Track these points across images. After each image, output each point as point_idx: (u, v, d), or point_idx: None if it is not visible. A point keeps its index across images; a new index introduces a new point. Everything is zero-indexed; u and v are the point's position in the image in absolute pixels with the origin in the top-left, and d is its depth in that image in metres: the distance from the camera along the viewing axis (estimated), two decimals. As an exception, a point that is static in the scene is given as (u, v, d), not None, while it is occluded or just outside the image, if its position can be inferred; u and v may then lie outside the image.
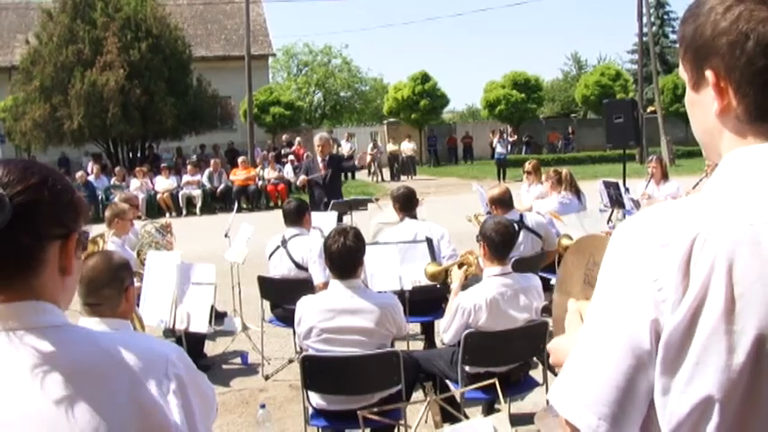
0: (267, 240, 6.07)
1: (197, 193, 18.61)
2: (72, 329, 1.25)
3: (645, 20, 28.52)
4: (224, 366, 6.34)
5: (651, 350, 1.01)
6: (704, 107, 1.13)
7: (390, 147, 28.13)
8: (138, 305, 4.80)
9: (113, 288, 2.68)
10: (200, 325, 4.38)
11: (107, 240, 3.98)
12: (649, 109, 30.33)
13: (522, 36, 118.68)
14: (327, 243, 3.68)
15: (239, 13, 30.05)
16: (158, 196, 18.58)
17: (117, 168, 19.56)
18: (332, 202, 8.12)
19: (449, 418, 3.04)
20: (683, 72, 1.18)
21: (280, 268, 5.76)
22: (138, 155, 22.75)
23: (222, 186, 19.12)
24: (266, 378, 5.85)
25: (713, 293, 0.98)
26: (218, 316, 7.39)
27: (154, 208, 18.36)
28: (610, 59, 51.63)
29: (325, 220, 6.87)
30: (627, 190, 9.67)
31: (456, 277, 4.39)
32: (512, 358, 3.98)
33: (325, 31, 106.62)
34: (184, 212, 18.50)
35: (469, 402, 4.24)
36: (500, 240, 3.91)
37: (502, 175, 24.45)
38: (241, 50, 24.01)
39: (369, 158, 28.00)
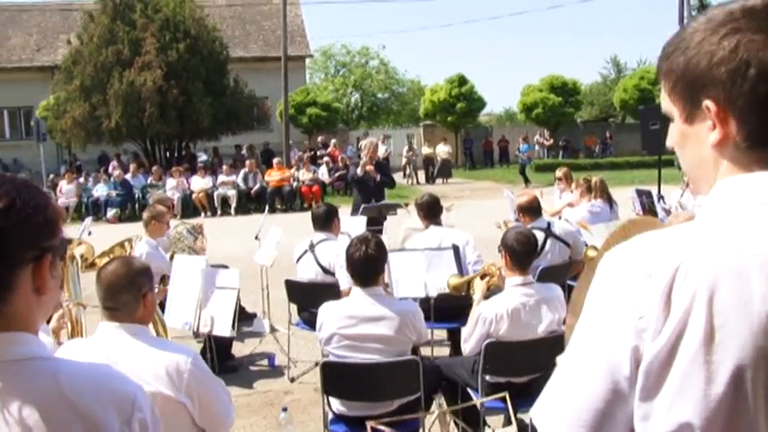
0: (298, 242, 6.12)
1: (232, 193, 18.81)
2: (38, 364, 1.20)
3: (687, 23, 28.01)
4: (251, 368, 6.41)
5: (631, 377, 1.02)
6: (699, 139, 1.12)
7: (425, 150, 28.08)
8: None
9: (131, 294, 2.72)
10: (224, 328, 4.43)
11: (135, 245, 4.04)
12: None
13: (560, 39, 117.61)
14: (350, 251, 3.70)
15: (277, 14, 30.29)
16: (194, 196, 18.82)
17: (154, 168, 19.90)
18: (362, 206, 8.14)
19: (467, 427, 3.04)
20: (669, 106, 1.17)
21: (307, 272, 5.80)
22: (175, 154, 23.11)
23: (257, 187, 19.30)
24: (292, 380, 5.90)
25: (693, 323, 0.98)
26: (247, 317, 7.49)
27: (189, 207, 18.61)
28: (650, 63, 50.84)
29: (354, 225, 6.90)
30: (661, 198, 9.54)
31: (478, 288, 4.36)
32: (532, 369, 3.94)
33: (362, 32, 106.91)
34: (219, 212, 18.72)
35: (491, 411, 4.22)
36: (522, 250, 3.88)
37: (525, 181, 24.06)
38: (278, 51, 24.19)
39: (404, 161, 28.05)
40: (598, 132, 35.09)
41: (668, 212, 7.58)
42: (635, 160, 29.18)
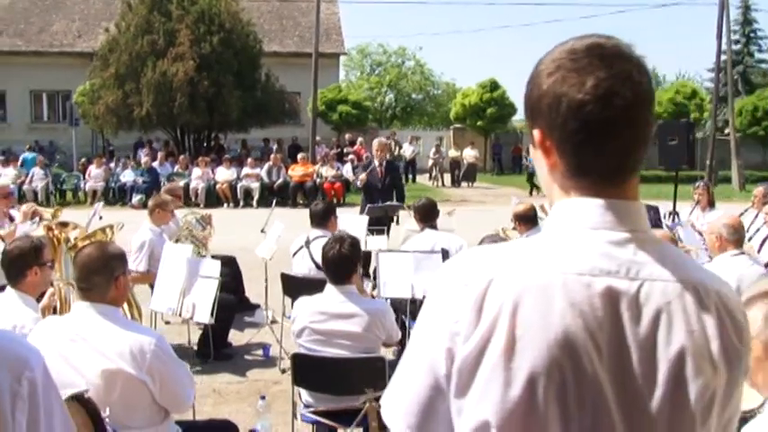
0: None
1: (255, 185, 19.06)
2: None
3: (726, 38, 27.58)
4: (246, 357, 6.57)
5: (447, 375, 1.12)
6: (540, 163, 1.22)
7: (452, 152, 28.08)
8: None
9: (103, 276, 2.90)
10: (203, 316, 4.60)
11: (116, 232, 4.22)
12: (726, 130, 29.39)
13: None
14: (325, 249, 3.83)
15: (314, 10, 30.62)
16: (217, 186, 19.12)
17: (181, 157, 20.27)
18: (367, 206, 8.26)
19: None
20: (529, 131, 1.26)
21: (301, 267, 5.95)
22: (204, 144, 23.48)
23: (280, 181, 19.53)
24: (282, 371, 6.03)
25: (498, 331, 1.08)
26: (250, 307, 7.67)
27: (212, 197, 18.91)
28: (689, 77, 50.16)
29: (355, 224, 7.02)
30: (676, 215, 9.50)
31: None
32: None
33: (397, 33, 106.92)
34: (242, 204, 18.99)
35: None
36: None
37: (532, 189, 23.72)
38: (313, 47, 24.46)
39: (430, 163, 28.10)
40: (630, 144, 34.64)
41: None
42: (664, 174, 28.78)
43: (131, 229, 6.51)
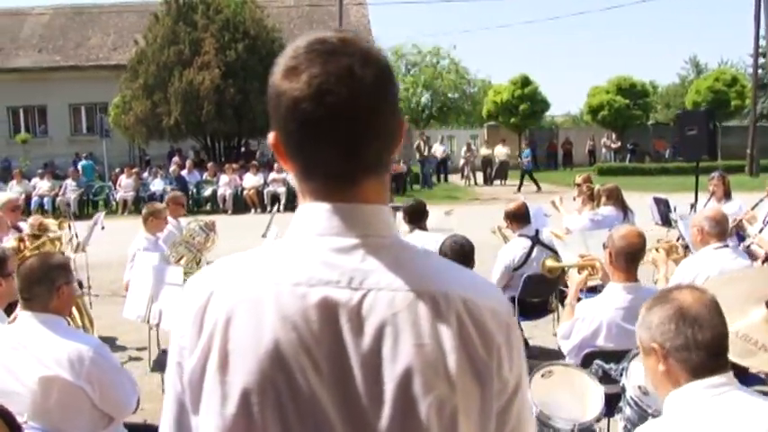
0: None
1: (282, 190, 19.18)
2: None
3: (765, 21, 26.74)
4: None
5: (183, 389, 1.09)
6: (285, 167, 1.16)
7: (484, 151, 27.86)
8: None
9: (44, 286, 2.95)
10: (170, 323, 4.61)
11: (63, 243, 4.27)
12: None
13: (635, 39, 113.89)
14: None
15: (345, 14, 30.65)
16: (244, 193, 19.30)
17: (209, 164, 20.53)
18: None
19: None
20: None
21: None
22: (234, 151, 23.74)
23: (307, 185, 19.56)
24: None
25: (214, 347, 1.04)
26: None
27: (240, 203, 19.10)
28: (731, 63, 48.83)
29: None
30: (695, 207, 9.22)
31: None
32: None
33: (427, 32, 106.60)
34: (269, 209, 19.10)
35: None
36: (454, 259, 3.88)
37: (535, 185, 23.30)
38: (344, 51, 24.40)
39: (462, 161, 27.92)
40: (669, 135, 33.94)
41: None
42: (706, 165, 28.04)
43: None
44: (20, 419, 2.59)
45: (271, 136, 1.11)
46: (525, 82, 31.41)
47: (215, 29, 20.72)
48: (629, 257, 3.60)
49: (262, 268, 1.07)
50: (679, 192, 15.09)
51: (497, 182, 26.55)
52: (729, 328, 1.95)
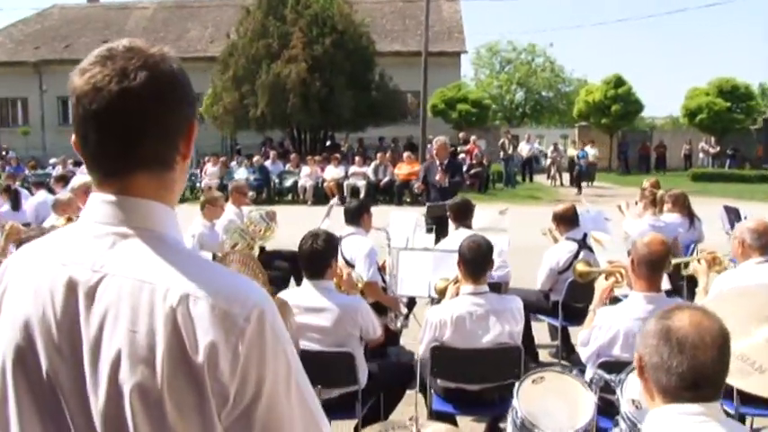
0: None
1: (362, 183, 19.39)
2: None
3: None
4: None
5: None
6: None
7: (571, 151, 27.20)
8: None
9: None
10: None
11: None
12: None
13: (741, 38, 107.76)
14: (300, 244, 3.90)
15: (437, 9, 30.63)
16: (325, 184, 19.65)
17: (292, 155, 21.02)
18: (427, 204, 8.22)
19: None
20: None
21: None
22: (319, 143, 24.20)
23: (387, 179, 19.77)
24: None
25: None
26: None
27: (320, 194, 19.45)
28: None
29: (404, 221, 7.01)
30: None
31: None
32: (480, 378, 3.93)
33: (518, 29, 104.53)
34: (348, 201, 19.30)
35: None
36: (471, 258, 3.87)
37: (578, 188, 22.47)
38: (435, 46, 24.53)
39: (548, 162, 27.38)
40: (772, 141, 32.13)
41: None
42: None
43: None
44: None
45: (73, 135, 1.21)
46: (618, 82, 30.38)
47: (303, 23, 21.17)
48: (651, 266, 3.48)
49: (44, 249, 1.19)
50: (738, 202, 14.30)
51: (583, 183, 25.87)
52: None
